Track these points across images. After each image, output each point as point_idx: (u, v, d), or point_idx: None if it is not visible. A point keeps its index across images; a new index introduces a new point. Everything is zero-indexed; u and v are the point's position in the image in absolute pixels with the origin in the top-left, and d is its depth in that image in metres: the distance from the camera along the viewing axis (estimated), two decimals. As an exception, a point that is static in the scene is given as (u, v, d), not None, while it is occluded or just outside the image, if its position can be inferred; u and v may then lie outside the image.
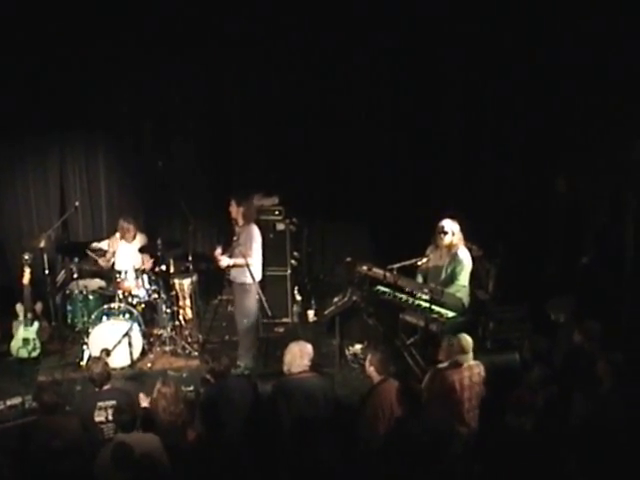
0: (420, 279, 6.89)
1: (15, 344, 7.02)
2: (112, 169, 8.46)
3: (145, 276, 7.37)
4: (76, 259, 7.40)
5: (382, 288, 6.88)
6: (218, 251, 6.90)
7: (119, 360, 6.85)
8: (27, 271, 7.07)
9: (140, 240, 7.66)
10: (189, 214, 7.42)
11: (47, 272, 7.14)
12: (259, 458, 5.10)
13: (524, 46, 7.61)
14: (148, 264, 7.50)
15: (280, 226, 7.91)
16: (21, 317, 7.08)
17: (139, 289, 7.31)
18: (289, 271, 7.97)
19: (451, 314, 6.46)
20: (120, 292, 7.23)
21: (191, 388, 6.12)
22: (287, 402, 5.12)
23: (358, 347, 7.10)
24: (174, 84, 8.17)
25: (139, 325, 7.09)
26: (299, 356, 5.28)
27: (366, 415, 5.14)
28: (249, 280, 6.60)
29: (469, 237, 6.82)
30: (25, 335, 7.02)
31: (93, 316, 7.11)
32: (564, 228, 7.82)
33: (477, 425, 5.33)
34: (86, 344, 6.96)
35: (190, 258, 7.28)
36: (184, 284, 7.71)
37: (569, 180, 7.76)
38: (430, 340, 6.41)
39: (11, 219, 8.30)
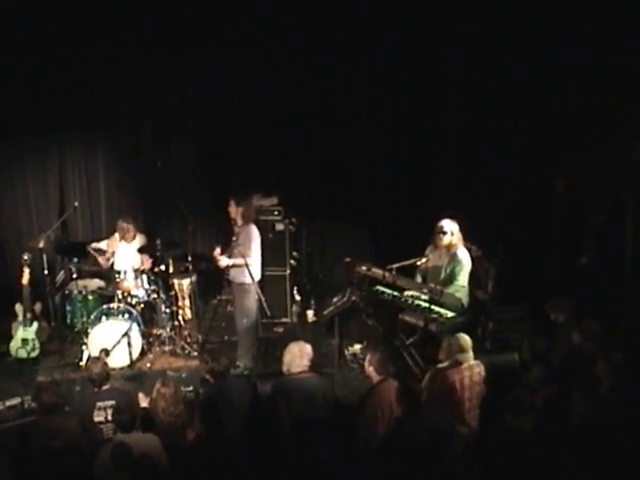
0: (419, 279, 6.90)
1: (14, 344, 7.02)
2: (111, 169, 8.46)
3: (144, 276, 7.37)
4: (75, 259, 7.39)
5: (381, 288, 6.88)
6: (217, 251, 6.90)
7: (118, 360, 6.85)
8: (26, 271, 7.07)
9: (139, 240, 7.67)
10: (188, 214, 7.41)
11: (46, 272, 7.15)
12: (258, 458, 5.10)
13: (524, 46, 7.61)
14: (147, 264, 7.50)
15: (279, 226, 7.91)
16: (20, 317, 7.08)
17: (138, 289, 7.32)
18: (288, 271, 7.97)
19: (450, 314, 6.46)
20: (119, 292, 7.23)
21: (190, 388, 6.12)
22: (286, 402, 5.12)
23: (357, 347, 7.10)
24: (174, 84, 8.17)
25: (138, 325, 7.09)
26: (299, 356, 5.28)
27: (365, 415, 5.14)
28: (248, 280, 6.60)
29: (468, 237, 6.83)
30: (24, 335, 7.02)
31: (92, 316, 7.11)
32: (563, 228, 7.82)
33: (477, 425, 5.33)
34: (85, 344, 6.96)
35: (189, 258, 7.28)
36: (183, 284, 7.71)
37: (568, 180, 7.75)
38: (429, 340, 6.41)
39: (10, 219, 8.29)
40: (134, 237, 7.63)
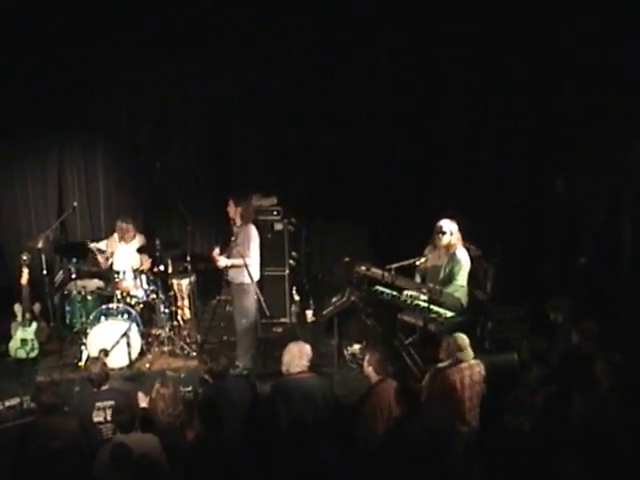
0: (418, 279, 6.90)
1: (13, 345, 7.01)
2: (110, 169, 8.46)
3: (143, 276, 7.36)
4: (74, 259, 7.39)
5: (380, 288, 6.88)
6: (216, 251, 6.89)
7: (117, 360, 6.85)
8: (25, 271, 7.06)
9: (138, 240, 7.67)
10: (187, 214, 7.40)
11: (45, 272, 7.14)
12: (258, 458, 5.10)
13: (525, 46, 7.61)
14: (146, 264, 7.50)
15: (278, 226, 7.91)
16: (19, 317, 7.07)
17: (137, 289, 7.32)
18: (287, 271, 7.97)
19: (449, 314, 6.47)
20: (118, 292, 7.23)
21: (189, 388, 6.12)
22: (286, 402, 5.11)
23: (356, 347, 7.10)
24: (173, 84, 8.17)
25: (137, 325, 7.08)
26: (298, 356, 5.27)
27: (365, 415, 5.14)
28: (247, 280, 6.59)
29: (467, 237, 6.83)
30: (23, 336, 7.02)
31: (91, 316, 7.11)
32: (563, 228, 7.82)
33: (478, 424, 5.33)
34: (84, 344, 6.95)
35: (188, 258, 7.26)
36: (182, 284, 7.72)
37: (568, 180, 7.76)
38: (428, 340, 6.41)
39: (9, 219, 8.29)
40: (133, 237, 7.63)
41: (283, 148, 8.34)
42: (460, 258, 6.62)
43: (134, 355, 6.97)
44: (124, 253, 7.58)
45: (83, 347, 6.97)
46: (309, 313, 8.04)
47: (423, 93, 8.12)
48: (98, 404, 5.13)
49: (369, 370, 5.27)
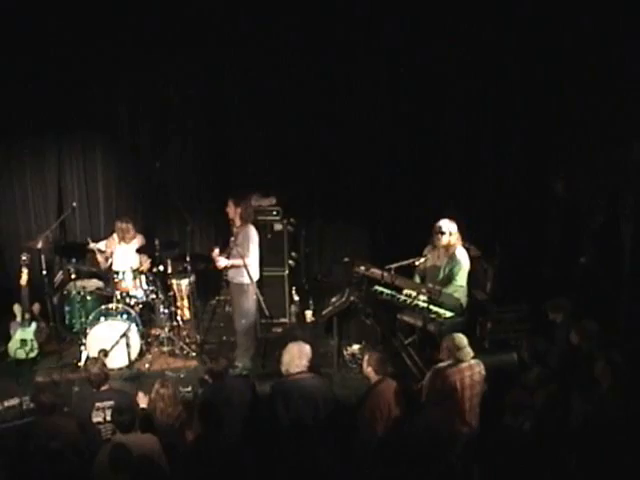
0: (418, 279, 6.89)
1: (13, 345, 6.99)
2: (110, 170, 8.44)
3: (143, 277, 7.36)
4: (74, 260, 7.40)
5: (380, 288, 6.88)
6: (216, 252, 6.88)
7: (117, 361, 6.85)
8: (25, 272, 7.04)
9: (138, 241, 7.66)
10: (187, 215, 7.40)
11: (45, 273, 7.12)
12: (258, 458, 5.09)
13: (524, 46, 7.61)
14: (146, 265, 7.49)
15: (278, 226, 7.90)
16: (19, 318, 7.05)
17: (137, 290, 7.32)
18: (287, 271, 7.96)
19: (449, 314, 6.46)
20: (118, 293, 7.23)
21: (189, 389, 6.13)
22: (285, 402, 5.11)
23: (356, 347, 7.09)
24: (173, 84, 8.16)
25: (137, 326, 7.07)
26: (297, 357, 5.28)
27: (364, 415, 5.14)
28: (247, 280, 6.59)
29: (467, 237, 6.82)
30: (23, 336, 7.00)
31: (91, 317, 7.11)
32: (562, 228, 7.82)
33: (478, 424, 5.32)
34: (84, 345, 6.95)
35: (188, 259, 7.25)
36: (182, 284, 7.72)
37: (567, 180, 7.76)
38: (428, 340, 6.41)
39: (9, 220, 8.27)
40: (133, 237, 7.62)
41: (283, 148, 8.34)
42: (459, 258, 6.62)
43: (133, 355, 6.96)
44: (124, 253, 7.57)
45: (82, 347, 6.97)
46: (308, 313, 8.04)
47: (422, 93, 8.11)
48: (97, 404, 5.13)
49: (368, 370, 5.27)
